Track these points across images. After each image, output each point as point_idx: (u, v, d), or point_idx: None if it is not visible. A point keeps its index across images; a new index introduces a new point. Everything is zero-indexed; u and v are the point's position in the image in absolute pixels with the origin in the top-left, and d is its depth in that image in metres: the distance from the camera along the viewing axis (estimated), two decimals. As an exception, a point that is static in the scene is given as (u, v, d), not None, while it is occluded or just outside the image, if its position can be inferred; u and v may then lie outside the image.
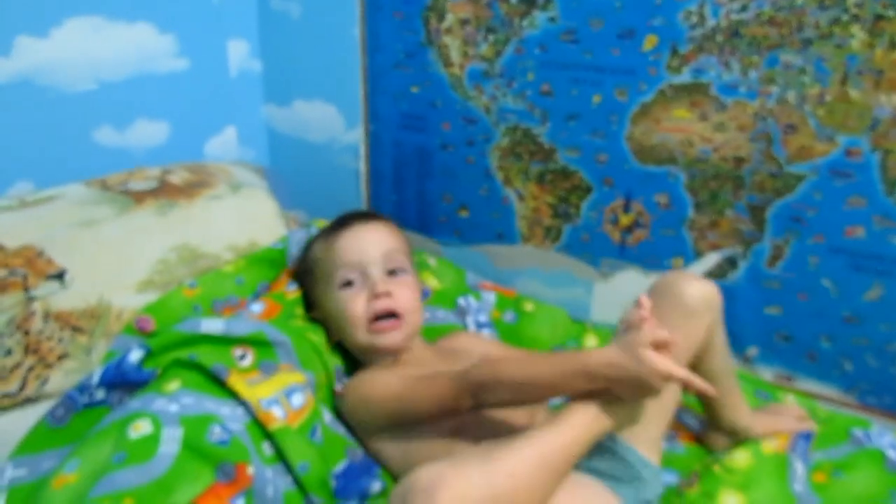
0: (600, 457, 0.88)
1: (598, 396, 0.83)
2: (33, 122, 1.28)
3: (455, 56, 1.42)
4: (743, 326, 1.29)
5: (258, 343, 0.97)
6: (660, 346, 0.80)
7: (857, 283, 1.17)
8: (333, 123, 1.64)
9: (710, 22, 1.16)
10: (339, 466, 0.96)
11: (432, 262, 1.36)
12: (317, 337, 1.06)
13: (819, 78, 1.11)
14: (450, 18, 1.40)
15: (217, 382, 0.90)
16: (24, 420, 0.97)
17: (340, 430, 1.01)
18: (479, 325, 1.27)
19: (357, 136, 1.61)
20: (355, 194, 1.66)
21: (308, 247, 1.15)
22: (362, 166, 1.63)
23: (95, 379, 0.92)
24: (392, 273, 1.07)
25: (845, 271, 1.18)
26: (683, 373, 0.80)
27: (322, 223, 1.29)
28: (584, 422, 0.81)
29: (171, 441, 0.86)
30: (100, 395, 0.93)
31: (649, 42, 1.22)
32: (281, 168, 1.75)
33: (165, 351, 0.92)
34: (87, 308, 1.01)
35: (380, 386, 0.95)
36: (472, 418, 0.91)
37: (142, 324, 1.03)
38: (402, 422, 0.92)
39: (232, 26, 1.59)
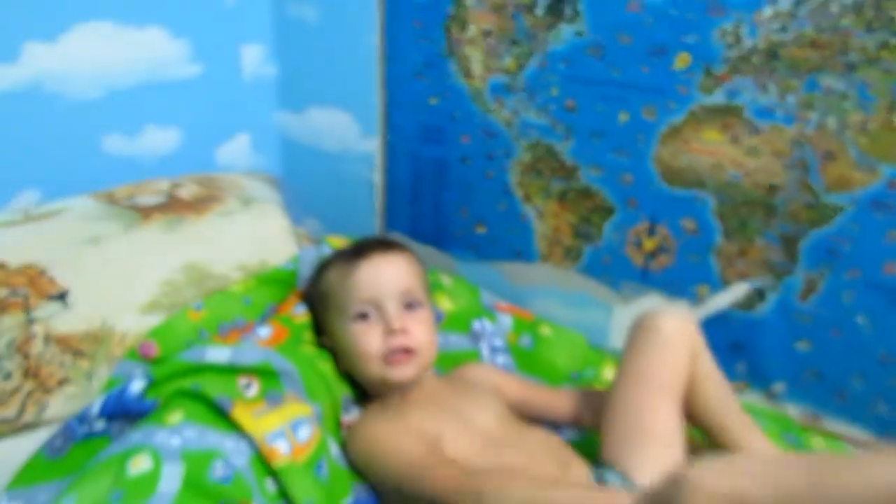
0: None
1: None
2: (41, 130, 1.24)
3: (476, 68, 1.37)
4: (770, 361, 1.24)
5: (264, 372, 0.93)
6: None
7: (895, 322, 1.11)
8: (348, 132, 1.59)
9: (747, 42, 1.10)
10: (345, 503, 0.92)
11: (447, 281, 1.31)
12: (325, 365, 1.03)
13: (862, 104, 1.05)
14: (472, 29, 1.35)
15: (221, 414, 0.86)
16: (22, 447, 0.94)
17: (347, 464, 0.97)
18: (494, 350, 1.22)
19: (373, 146, 1.56)
20: (369, 206, 1.61)
21: (321, 271, 1.10)
22: (378, 177, 1.58)
23: (95, 409, 0.89)
24: (408, 307, 1.03)
25: (882, 309, 1.12)
26: None
27: (334, 240, 1.25)
28: None
29: (172, 478, 0.83)
30: (100, 425, 0.89)
31: (681, 60, 1.16)
32: (294, 176, 1.70)
33: (168, 380, 0.89)
34: (90, 331, 0.97)
35: (386, 447, 0.91)
36: None
37: (145, 349, 0.99)
38: (404, 493, 0.88)
39: (246, 31, 1.55)
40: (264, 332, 1.04)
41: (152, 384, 0.88)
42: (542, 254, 1.42)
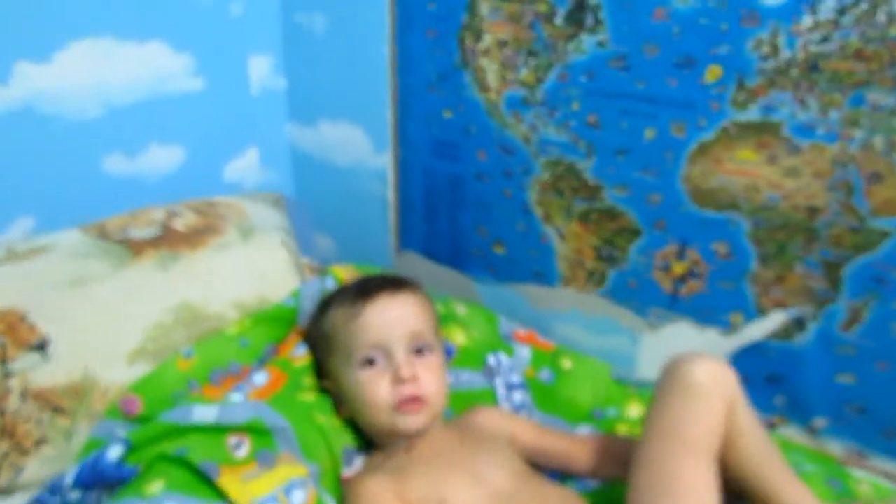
0: None
1: None
2: (36, 154, 1.19)
3: (492, 80, 1.29)
4: (810, 395, 1.15)
5: (256, 430, 0.86)
6: None
7: (950, 356, 1.02)
8: (360, 147, 1.52)
9: (785, 53, 1.01)
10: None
11: (462, 310, 1.23)
12: (324, 416, 0.95)
13: (913, 122, 0.96)
14: (487, 39, 1.27)
15: (207, 481, 0.80)
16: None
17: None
18: (511, 388, 1.14)
19: (385, 161, 1.49)
20: (382, 222, 1.55)
21: (324, 311, 1.03)
22: (390, 194, 1.51)
23: (69, 479, 0.81)
24: (418, 352, 0.96)
25: (934, 342, 1.03)
26: None
27: (339, 271, 1.18)
28: None
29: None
30: (74, 496, 0.82)
31: (712, 73, 1.08)
32: (305, 193, 1.64)
33: (150, 444, 0.82)
34: (70, 384, 0.91)
35: None
36: None
37: (127, 405, 0.92)
38: None
39: (253, 41, 1.49)
40: (260, 378, 0.97)
41: (132, 449, 0.82)
42: (564, 276, 1.34)
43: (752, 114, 1.06)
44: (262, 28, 1.49)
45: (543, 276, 1.36)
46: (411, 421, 0.92)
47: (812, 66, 1.00)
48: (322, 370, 1.02)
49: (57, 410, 0.89)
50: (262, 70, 1.52)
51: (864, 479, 1.04)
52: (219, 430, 0.84)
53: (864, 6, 0.94)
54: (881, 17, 0.93)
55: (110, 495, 0.80)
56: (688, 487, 0.82)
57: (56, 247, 1.01)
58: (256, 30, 1.48)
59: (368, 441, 0.99)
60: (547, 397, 1.15)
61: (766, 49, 1.02)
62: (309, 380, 1.00)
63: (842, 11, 0.96)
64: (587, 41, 1.17)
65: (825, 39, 0.98)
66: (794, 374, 1.16)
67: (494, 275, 1.43)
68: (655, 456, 0.84)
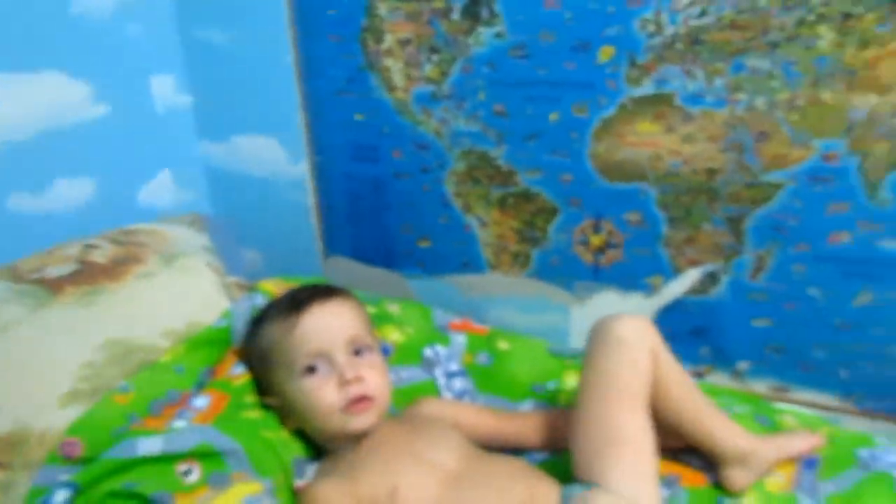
0: None
1: None
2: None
3: (398, 79, 1.32)
4: (731, 341, 1.23)
5: (205, 454, 0.87)
6: None
7: (847, 290, 1.12)
8: (276, 157, 1.52)
9: (669, 29, 1.08)
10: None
11: (395, 308, 1.26)
12: (271, 431, 0.96)
13: (789, 82, 1.04)
14: (389, 39, 1.30)
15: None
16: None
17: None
18: (451, 376, 1.18)
19: (303, 169, 1.50)
20: (307, 230, 1.55)
21: (259, 327, 1.04)
22: (312, 201, 1.52)
23: None
24: (357, 353, 0.98)
25: (833, 278, 1.12)
26: None
27: (268, 286, 1.18)
28: None
29: None
30: None
31: (605, 54, 1.14)
32: (225, 209, 1.63)
33: (97, 483, 0.81)
34: (2, 437, 0.87)
35: None
36: None
37: (68, 449, 0.89)
38: None
39: (153, 61, 1.46)
40: (201, 402, 0.96)
41: (79, 491, 0.80)
42: (491, 262, 1.38)
43: (647, 88, 1.13)
44: (161, 46, 1.47)
45: (471, 264, 1.41)
46: (361, 420, 0.95)
47: (694, 39, 1.07)
48: (263, 387, 1.02)
49: (-9, 465, 0.86)
50: (165, 89, 1.50)
51: (789, 411, 1.12)
52: (166, 459, 0.84)
53: (734, -21, 1.02)
54: (750, -12, 1.01)
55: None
56: (627, 431, 0.88)
57: (-36, 296, 0.97)
58: (155, 49, 1.46)
59: (318, 449, 1.00)
60: (487, 379, 1.19)
61: (651, 27, 1.09)
62: (251, 398, 1.00)
63: (715, -14, 1.04)
64: (485, 33, 1.21)
65: (703, 14, 1.05)
66: (714, 325, 1.24)
67: (424, 269, 1.46)
68: (594, 410, 0.90)
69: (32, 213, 1.28)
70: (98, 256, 1.06)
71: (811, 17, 0.99)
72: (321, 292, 1.02)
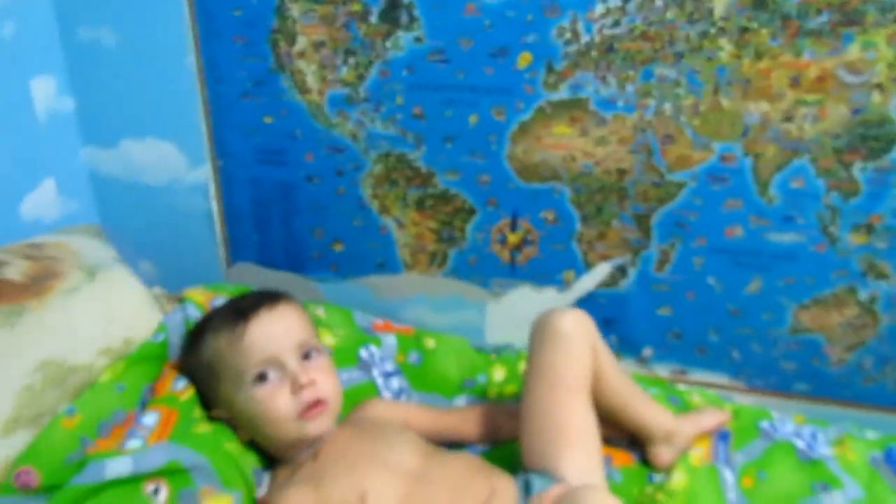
0: None
1: None
2: None
3: (312, 82, 1.30)
4: (637, 330, 1.33)
5: (172, 472, 0.83)
6: None
7: (739, 279, 1.24)
8: (173, 163, 1.45)
9: (585, 38, 1.15)
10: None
11: (321, 312, 1.25)
12: (230, 444, 0.93)
13: (692, 90, 1.14)
14: (302, 42, 1.28)
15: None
16: None
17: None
18: (387, 376, 1.19)
19: (204, 174, 1.43)
20: (209, 238, 1.49)
21: (200, 340, 0.99)
22: (215, 207, 1.46)
23: None
24: (306, 357, 0.97)
25: (727, 268, 1.24)
26: None
27: (195, 295, 1.13)
28: None
29: None
30: None
31: (523, 59, 1.19)
32: (112, 218, 1.53)
33: None
34: None
35: None
36: None
37: (23, 479, 0.82)
38: None
39: (32, 62, 1.34)
40: (150, 420, 0.91)
41: None
42: (407, 263, 1.40)
43: (563, 93, 1.19)
44: (41, 47, 1.36)
45: (386, 265, 1.41)
46: (317, 424, 0.94)
47: (608, 47, 1.15)
48: (209, 399, 0.98)
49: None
50: (46, 92, 1.38)
51: (695, 391, 1.23)
52: (133, 479, 0.79)
53: (643, -6, 1.10)
54: (659, 3, 1.10)
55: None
56: (573, 419, 0.93)
57: None
58: (35, 50, 1.34)
59: (270, 458, 0.98)
60: (420, 378, 1.21)
61: (568, 35, 1.15)
62: (199, 411, 0.96)
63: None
64: (404, 38, 1.23)
65: (616, 24, 1.13)
66: (622, 315, 1.33)
67: (337, 272, 1.45)
68: (542, 402, 0.95)
69: None
70: (12, 273, 0.97)
71: (713, 31, 1.09)
72: (267, 298, 1.00)
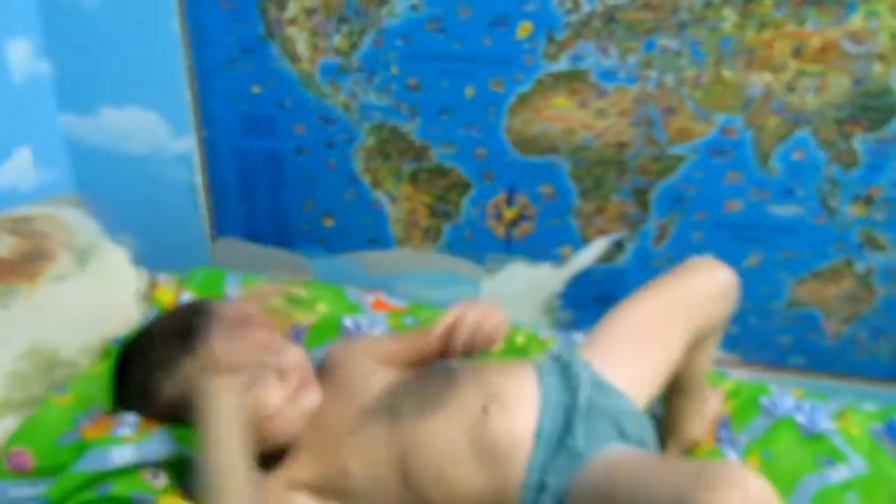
0: None
1: None
2: None
3: (303, 50, 1.26)
4: (634, 305, 1.31)
5: (171, 463, 0.79)
6: None
7: (738, 252, 1.23)
8: (156, 132, 1.40)
9: (586, 7, 1.12)
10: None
11: (301, 292, 1.21)
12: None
13: (695, 60, 1.12)
14: (293, 8, 1.23)
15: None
16: None
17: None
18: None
19: (189, 144, 1.39)
20: (192, 210, 1.45)
21: (156, 383, 0.86)
22: (199, 179, 1.41)
23: None
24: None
25: (727, 242, 1.23)
26: None
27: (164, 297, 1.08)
28: None
29: None
30: None
31: (523, 29, 1.16)
32: (90, 188, 1.47)
33: (70, 496, 0.71)
34: None
35: None
36: None
37: (17, 460, 0.78)
38: None
39: (7, 24, 1.28)
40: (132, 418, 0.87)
41: None
42: (400, 238, 1.37)
43: (563, 64, 1.17)
44: (16, 8, 1.29)
45: (378, 241, 1.38)
46: (312, 395, 0.90)
47: (610, 17, 1.12)
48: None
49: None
50: (22, 56, 1.32)
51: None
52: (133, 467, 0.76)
53: (648, -39, 1.08)
54: (664, -30, 1.08)
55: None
56: (664, 344, 0.89)
57: None
58: (10, 10, 1.28)
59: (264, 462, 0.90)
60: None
61: (569, 4, 1.13)
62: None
63: (631, -33, 1.09)
64: (400, 5, 1.19)
65: (619, -8, 1.11)
66: (618, 291, 1.29)
67: (326, 247, 1.41)
68: (650, 305, 0.92)
69: None
70: (1, 249, 0.91)
71: (717, 0, 1.07)
72: (216, 310, 0.90)
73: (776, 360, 1.29)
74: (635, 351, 0.89)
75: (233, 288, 1.21)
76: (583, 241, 1.29)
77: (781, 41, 1.08)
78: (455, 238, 1.34)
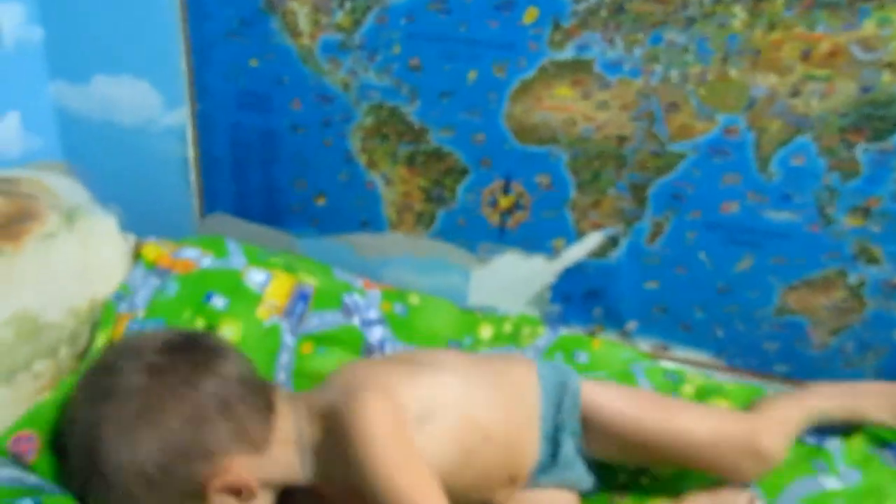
0: None
1: None
2: None
3: (304, 25, 1.24)
4: (623, 302, 1.31)
5: None
6: None
7: (730, 256, 1.22)
8: (148, 103, 1.37)
9: (595, -4, 1.11)
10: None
11: (299, 263, 1.20)
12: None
13: (701, 57, 1.11)
14: (296, -19, 1.21)
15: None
16: None
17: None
18: (369, 324, 1.14)
19: (181, 117, 1.36)
20: (182, 185, 1.42)
21: (131, 448, 0.72)
22: (190, 152, 1.39)
23: None
24: None
25: (720, 245, 1.22)
26: None
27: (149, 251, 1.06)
28: None
29: None
30: None
31: (530, 15, 1.14)
32: (78, 157, 1.44)
33: None
34: None
35: None
36: None
37: (18, 447, 0.74)
38: None
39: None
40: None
41: None
42: (392, 222, 1.35)
43: (568, 53, 1.15)
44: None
45: (371, 223, 1.36)
46: None
47: (618, 8, 1.11)
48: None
49: None
50: (13, 20, 1.29)
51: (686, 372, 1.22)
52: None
53: (659, -46, 1.06)
54: (675, -37, 1.06)
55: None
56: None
57: None
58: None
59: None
60: (405, 328, 1.18)
61: (577, -8, 1.11)
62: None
63: (642, -42, 1.07)
64: (405, -16, 1.17)
65: (629, -17, 1.09)
66: (609, 287, 1.30)
67: (318, 227, 1.39)
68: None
69: None
70: None
71: (727, -3, 1.06)
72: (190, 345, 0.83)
73: (760, 367, 1.29)
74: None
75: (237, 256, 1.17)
76: (577, 235, 1.27)
77: (790, 43, 1.07)
78: (448, 224, 1.32)
